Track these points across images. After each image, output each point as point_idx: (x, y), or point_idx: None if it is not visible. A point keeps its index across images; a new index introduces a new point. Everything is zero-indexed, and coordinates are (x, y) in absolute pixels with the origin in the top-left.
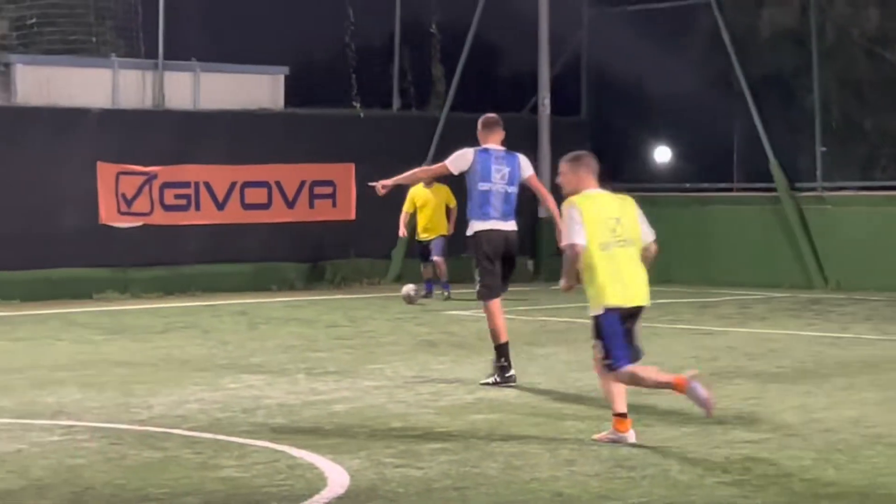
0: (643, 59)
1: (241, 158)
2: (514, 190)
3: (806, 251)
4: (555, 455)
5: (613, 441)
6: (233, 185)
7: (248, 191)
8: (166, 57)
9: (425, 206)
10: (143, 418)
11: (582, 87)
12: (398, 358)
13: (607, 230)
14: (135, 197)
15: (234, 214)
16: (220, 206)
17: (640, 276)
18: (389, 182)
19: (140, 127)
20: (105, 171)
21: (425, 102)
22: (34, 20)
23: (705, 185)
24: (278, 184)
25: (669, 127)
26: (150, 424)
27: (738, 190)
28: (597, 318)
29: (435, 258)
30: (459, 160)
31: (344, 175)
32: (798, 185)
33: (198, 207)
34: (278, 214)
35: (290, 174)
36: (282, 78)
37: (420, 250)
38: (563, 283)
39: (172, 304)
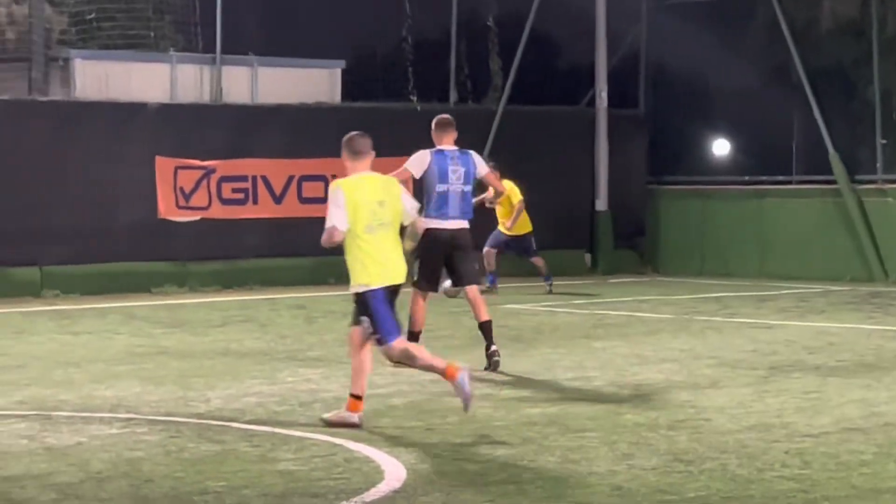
0: (702, 52)
1: (298, 152)
2: (469, 189)
3: (866, 244)
4: (612, 449)
5: (343, 421)
6: (290, 178)
7: (305, 184)
8: (224, 51)
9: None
10: (201, 411)
11: (640, 80)
12: (455, 352)
13: (370, 213)
14: (193, 191)
15: (291, 208)
16: (278, 199)
17: (398, 255)
18: None
19: (198, 121)
20: (163, 166)
21: (482, 96)
22: (93, 15)
23: (764, 177)
24: (335, 178)
25: (728, 120)
26: (208, 417)
27: (798, 182)
28: (363, 296)
29: (533, 259)
30: (418, 162)
31: None
32: (858, 177)
33: (255, 201)
34: None
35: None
36: (339, 72)
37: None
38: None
39: (230, 298)
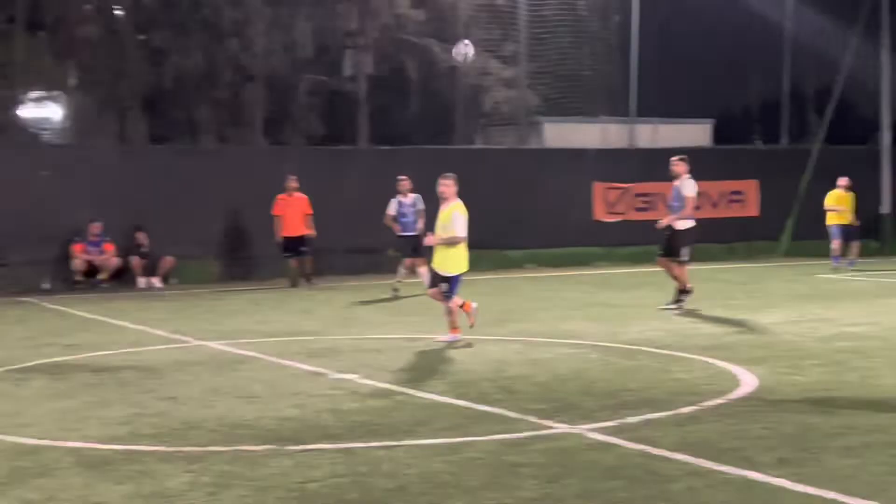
0: None
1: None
2: None
3: None
4: None
5: (452, 341)
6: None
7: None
8: (636, 113)
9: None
10: (623, 340)
11: None
12: (789, 305)
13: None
14: (615, 202)
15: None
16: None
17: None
18: None
19: (619, 161)
20: (598, 187)
21: None
22: (553, 93)
23: None
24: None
25: None
26: (628, 343)
27: None
28: (455, 277)
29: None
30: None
31: None
32: None
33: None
34: None
35: None
36: (709, 126)
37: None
38: (433, 242)
39: (642, 270)
